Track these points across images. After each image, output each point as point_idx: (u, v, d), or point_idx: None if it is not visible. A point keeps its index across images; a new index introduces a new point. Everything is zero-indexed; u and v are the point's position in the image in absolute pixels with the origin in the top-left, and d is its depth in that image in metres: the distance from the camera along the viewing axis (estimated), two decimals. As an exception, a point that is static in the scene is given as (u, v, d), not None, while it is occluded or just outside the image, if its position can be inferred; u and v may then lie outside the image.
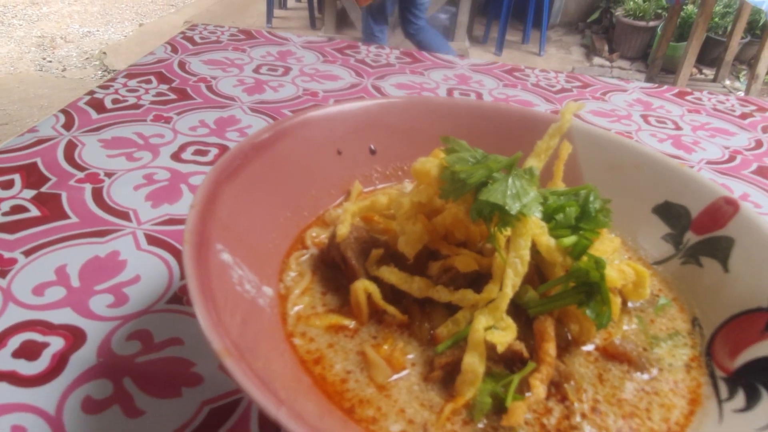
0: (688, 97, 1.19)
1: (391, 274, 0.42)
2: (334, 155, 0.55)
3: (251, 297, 0.38)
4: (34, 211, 0.62)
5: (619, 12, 5.02)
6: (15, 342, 0.46)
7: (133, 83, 0.93)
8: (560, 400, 0.38)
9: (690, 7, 4.72)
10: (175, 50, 1.09)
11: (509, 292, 0.38)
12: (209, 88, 0.95)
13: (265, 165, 0.47)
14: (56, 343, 0.46)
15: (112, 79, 0.94)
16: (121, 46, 4.38)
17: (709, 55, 4.78)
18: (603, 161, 0.56)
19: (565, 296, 0.39)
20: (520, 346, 0.39)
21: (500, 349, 0.36)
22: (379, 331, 0.42)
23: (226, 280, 0.36)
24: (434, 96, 0.97)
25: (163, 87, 0.93)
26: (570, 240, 0.39)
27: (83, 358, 0.45)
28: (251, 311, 0.38)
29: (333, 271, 0.46)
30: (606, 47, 5.14)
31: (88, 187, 0.66)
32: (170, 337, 0.48)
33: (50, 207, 0.62)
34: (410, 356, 0.40)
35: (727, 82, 4.51)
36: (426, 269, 0.45)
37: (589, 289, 0.39)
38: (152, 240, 0.59)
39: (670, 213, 0.52)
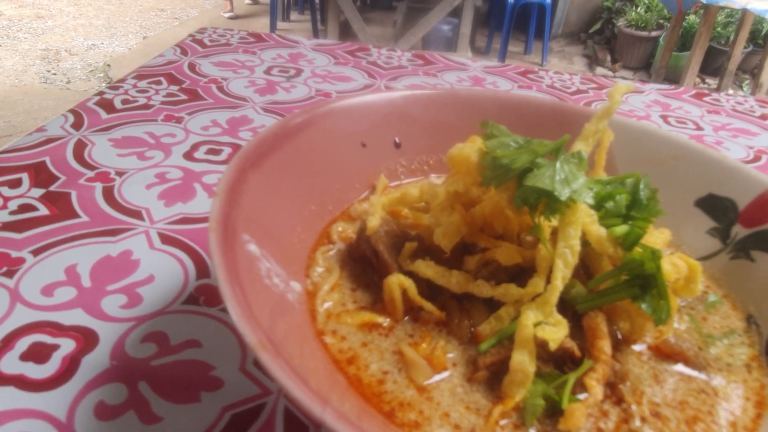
0: (706, 98, 1.17)
1: (427, 268, 0.39)
2: (358, 148, 0.52)
3: (280, 291, 0.36)
4: (43, 210, 0.59)
5: (621, 22, 5.05)
6: (23, 344, 0.43)
7: (143, 84, 0.91)
8: (616, 402, 0.35)
9: (692, 17, 4.74)
10: (184, 52, 1.07)
11: (559, 284, 0.35)
12: (220, 88, 0.93)
13: (289, 155, 0.45)
14: (67, 345, 0.44)
15: (122, 80, 0.92)
16: (125, 59, 4.40)
17: (712, 65, 4.79)
18: (640, 154, 0.54)
19: (618, 290, 0.37)
20: (572, 344, 0.36)
21: (553, 346, 0.33)
22: (415, 329, 0.39)
23: (255, 272, 0.33)
24: (460, 87, 0.95)
25: (174, 88, 0.91)
26: (622, 229, 0.36)
27: (96, 360, 0.43)
28: (281, 306, 0.35)
29: (362, 266, 0.44)
30: (608, 57, 5.16)
31: (98, 186, 0.64)
32: (187, 339, 0.45)
33: (60, 206, 0.60)
34: (450, 355, 0.37)
35: (731, 92, 4.52)
36: (461, 265, 0.42)
37: (644, 282, 0.36)
38: (166, 239, 0.56)
39: (715, 206, 0.50)
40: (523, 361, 0.33)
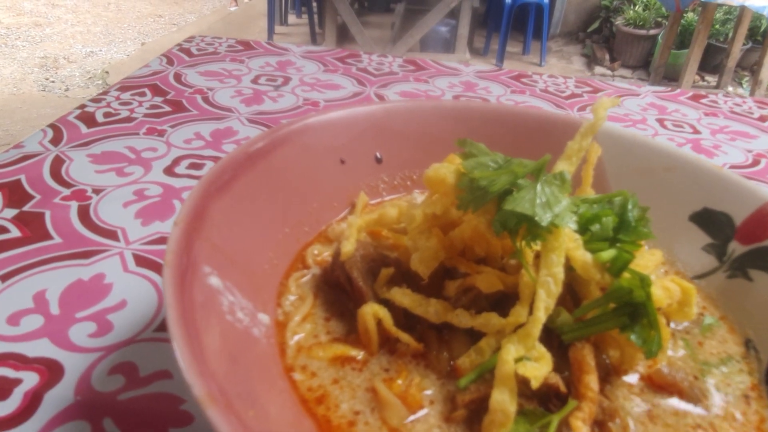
0: (703, 100, 1.14)
1: (403, 297, 0.37)
2: (336, 164, 0.50)
3: (244, 327, 0.33)
4: (15, 232, 0.57)
5: (619, 21, 5.02)
6: (-17, 379, 0.41)
7: (126, 96, 0.90)
8: (605, 443, 0.33)
9: (690, 15, 4.71)
10: (170, 62, 1.05)
11: (542, 316, 0.32)
12: (205, 99, 0.91)
13: (260, 176, 0.43)
14: (30, 380, 0.42)
15: (105, 92, 0.90)
16: (123, 65, 4.40)
17: (711, 62, 4.76)
18: (631, 165, 0.51)
19: (605, 319, 0.34)
20: (556, 379, 0.33)
21: (534, 384, 0.31)
22: (391, 363, 0.36)
23: (215, 308, 0.31)
24: (444, 99, 0.92)
25: (158, 99, 0.89)
26: (609, 254, 0.34)
27: (59, 395, 0.41)
28: (244, 344, 0.33)
29: (337, 293, 0.41)
30: (607, 56, 5.13)
31: (73, 205, 0.62)
32: (158, 369, 0.43)
33: (32, 227, 0.58)
34: (428, 392, 0.35)
35: (730, 89, 4.48)
36: (442, 290, 0.39)
37: (632, 310, 0.34)
38: (141, 261, 0.54)
39: (711, 221, 0.47)
40: (503, 401, 0.31)
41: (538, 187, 0.33)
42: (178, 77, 0.98)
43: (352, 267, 0.39)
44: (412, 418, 0.33)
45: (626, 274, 0.34)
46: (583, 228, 0.35)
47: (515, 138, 0.54)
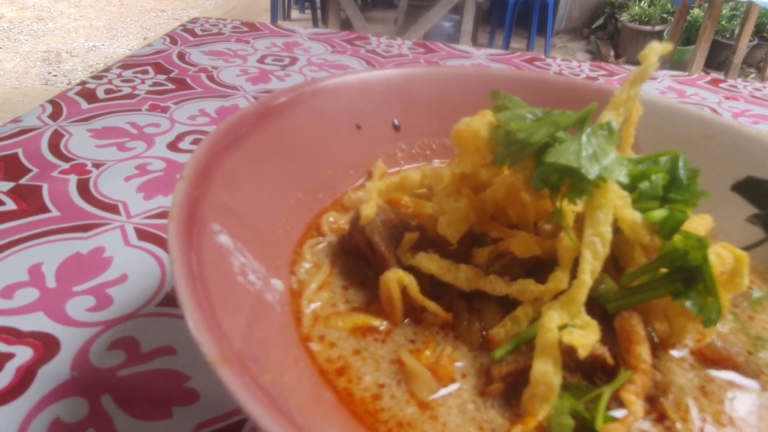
0: (723, 85, 1.11)
1: (431, 262, 0.33)
2: (352, 130, 0.47)
3: (257, 290, 0.30)
4: (10, 205, 0.54)
5: (624, 17, 4.97)
6: (-29, 353, 0.38)
7: (128, 74, 0.86)
8: (658, 420, 0.29)
9: (696, 11, 4.67)
10: (174, 42, 1.02)
11: (588, 279, 0.29)
12: (210, 77, 0.88)
13: (271, 137, 0.39)
14: (23, 354, 0.39)
15: (107, 70, 0.87)
16: (125, 59, 4.36)
17: (717, 59, 4.71)
18: (667, 134, 0.48)
19: (656, 286, 0.31)
20: (603, 350, 0.30)
21: (582, 353, 0.27)
22: (417, 334, 0.33)
23: (225, 267, 0.28)
24: (467, 65, 0.88)
25: (161, 77, 0.86)
26: (660, 214, 0.31)
27: (54, 371, 0.38)
28: (257, 308, 0.29)
29: (356, 261, 0.38)
30: (612, 53, 5.09)
31: (72, 179, 0.59)
32: (161, 345, 0.40)
33: (29, 200, 0.55)
34: (459, 364, 0.32)
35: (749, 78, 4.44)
36: (470, 258, 0.36)
37: (687, 275, 0.30)
38: (143, 235, 0.51)
39: (756, 190, 0.44)
40: (546, 372, 0.27)
41: (583, 137, 0.30)
42: (181, 56, 0.95)
43: (373, 231, 0.35)
44: (443, 391, 0.30)
45: (678, 236, 0.31)
46: (632, 186, 0.32)
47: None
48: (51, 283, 0.45)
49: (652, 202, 0.32)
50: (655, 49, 0.33)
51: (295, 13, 5.61)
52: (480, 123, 0.33)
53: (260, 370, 0.22)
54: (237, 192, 0.35)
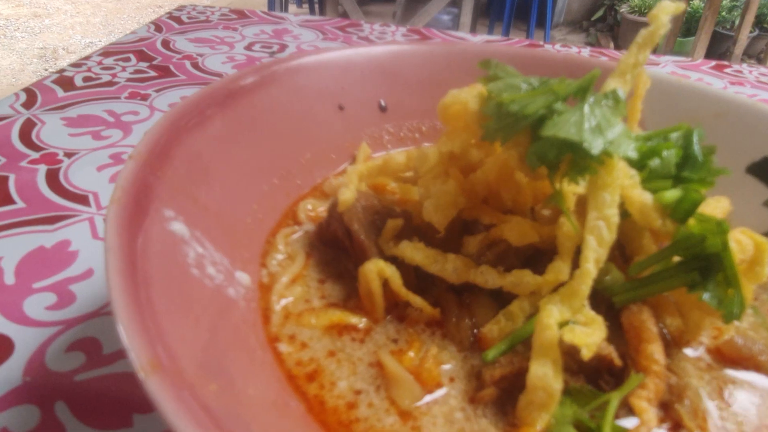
0: (728, 70, 1.07)
1: (415, 252, 0.30)
2: (335, 111, 0.43)
3: (216, 285, 0.27)
4: (-28, 197, 0.51)
5: (623, 9, 4.92)
6: None
7: (108, 61, 0.83)
8: (673, 429, 0.26)
9: (696, 2, 4.61)
10: (159, 29, 0.98)
11: (591, 269, 0.26)
12: (195, 65, 0.84)
13: (242, 116, 0.36)
14: (-30, 358, 0.35)
15: (87, 57, 0.83)
16: (121, 55, 4.32)
17: (717, 50, 4.65)
18: (675, 112, 0.44)
19: (669, 276, 0.27)
20: (609, 350, 0.26)
21: (586, 354, 0.24)
22: (400, 332, 0.30)
23: (176, 259, 0.25)
24: (459, 41, 0.84)
25: (143, 65, 0.82)
26: (673, 194, 0.27)
27: (5, 376, 0.35)
28: (215, 305, 0.26)
29: (335, 252, 0.34)
30: (611, 45, 5.03)
31: (42, 169, 0.56)
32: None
33: (-8, 191, 0.51)
34: (447, 367, 0.28)
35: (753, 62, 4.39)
36: (460, 247, 0.32)
37: (704, 264, 0.27)
38: (112, 227, 0.48)
39: (774, 172, 0.40)
40: (545, 376, 0.24)
41: (586, 108, 0.26)
42: (166, 44, 0.91)
43: (351, 218, 0.32)
44: (428, 398, 0.26)
45: (694, 220, 0.27)
46: (641, 163, 0.28)
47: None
48: (9, 279, 0.42)
49: (664, 181, 0.28)
50: (666, 8, 0.29)
51: (292, 8, 5.57)
52: (469, 95, 0.29)
53: (205, 379, 0.19)
54: (200, 175, 0.31)
